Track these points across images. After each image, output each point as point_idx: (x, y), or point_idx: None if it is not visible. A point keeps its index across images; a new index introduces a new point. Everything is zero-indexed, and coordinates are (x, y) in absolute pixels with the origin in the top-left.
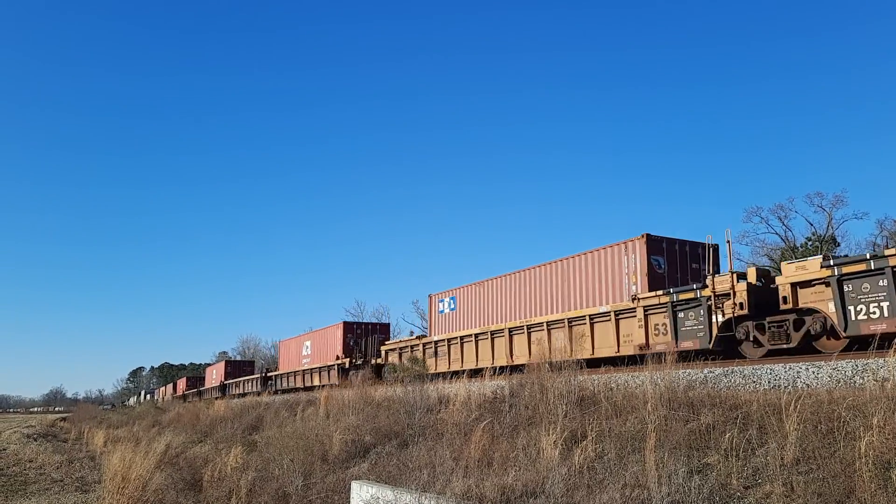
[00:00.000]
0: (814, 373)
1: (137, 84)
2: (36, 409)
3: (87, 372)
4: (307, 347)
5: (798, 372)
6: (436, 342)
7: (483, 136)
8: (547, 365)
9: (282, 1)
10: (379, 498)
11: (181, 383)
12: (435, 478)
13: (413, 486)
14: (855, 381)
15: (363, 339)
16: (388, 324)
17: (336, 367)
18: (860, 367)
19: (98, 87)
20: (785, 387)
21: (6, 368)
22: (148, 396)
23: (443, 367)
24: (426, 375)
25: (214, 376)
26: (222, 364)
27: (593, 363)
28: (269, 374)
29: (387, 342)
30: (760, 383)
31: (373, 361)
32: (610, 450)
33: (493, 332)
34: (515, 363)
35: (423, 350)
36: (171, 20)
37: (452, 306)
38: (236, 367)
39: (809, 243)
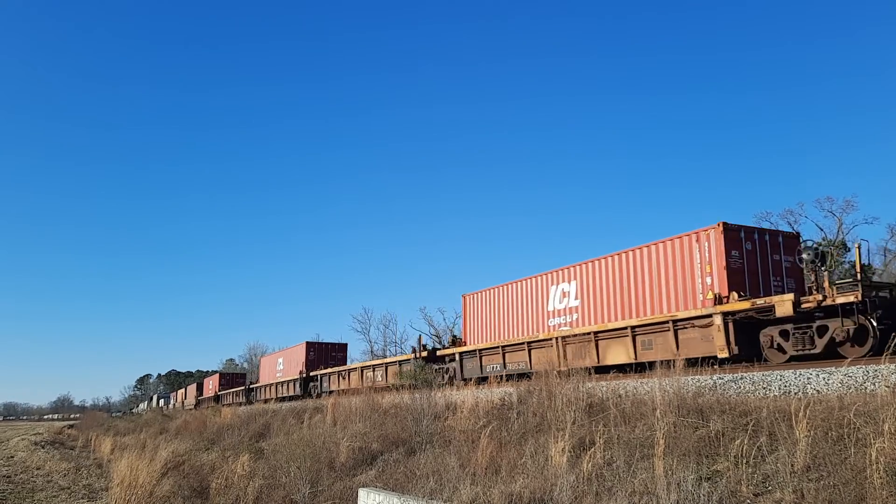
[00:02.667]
0: (824, 379)
1: (145, 92)
2: (49, 416)
3: (94, 379)
4: (566, 293)
5: (808, 378)
6: None
7: (489, 143)
8: (555, 372)
9: (298, 11)
10: None
11: (211, 382)
12: (442, 485)
13: (420, 494)
14: (866, 388)
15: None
16: (798, 233)
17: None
18: (871, 372)
19: (104, 95)
20: (795, 393)
21: (14, 376)
22: (161, 402)
23: None
24: None
25: (287, 365)
26: (302, 346)
27: None
28: (458, 348)
29: None
30: (770, 389)
31: None
32: (619, 457)
33: None
34: None
35: None
36: (180, 32)
37: None
38: (321, 353)
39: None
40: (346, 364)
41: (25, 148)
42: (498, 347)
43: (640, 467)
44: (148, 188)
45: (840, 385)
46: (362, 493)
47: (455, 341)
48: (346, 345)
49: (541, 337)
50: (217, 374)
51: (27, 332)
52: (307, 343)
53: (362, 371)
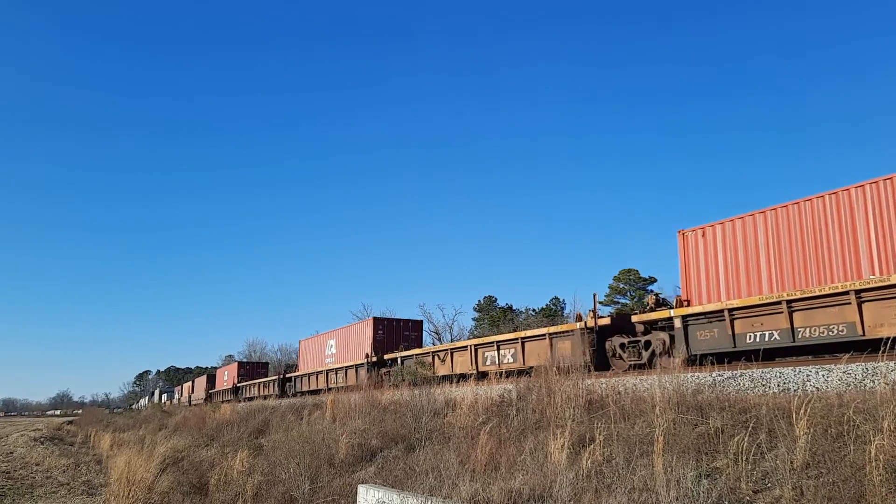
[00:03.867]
0: (824, 376)
1: (150, 94)
2: (49, 412)
3: (93, 376)
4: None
5: (808, 375)
6: None
7: (488, 150)
8: (554, 368)
9: (301, 21)
10: (385, 502)
11: (227, 372)
12: (441, 482)
13: (419, 490)
14: (865, 385)
15: None
16: None
17: None
18: (870, 369)
19: (110, 100)
20: (794, 390)
21: (14, 372)
22: (164, 396)
23: None
24: None
25: (341, 348)
26: (368, 323)
27: None
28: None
29: None
30: (769, 386)
31: None
32: (618, 454)
33: None
34: None
35: None
36: (180, 44)
37: None
38: (391, 331)
39: None
40: (420, 345)
41: (29, 150)
42: (779, 303)
43: (639, 464)
44: (146, 188)
45: (839, 382)
46: (362, 489)
47: (662, 302)
48: (420, 322)
49: (893, 280)
50: (235, 364)
51: (27, 328)
52: (375, 319)
53: (475, 350)
